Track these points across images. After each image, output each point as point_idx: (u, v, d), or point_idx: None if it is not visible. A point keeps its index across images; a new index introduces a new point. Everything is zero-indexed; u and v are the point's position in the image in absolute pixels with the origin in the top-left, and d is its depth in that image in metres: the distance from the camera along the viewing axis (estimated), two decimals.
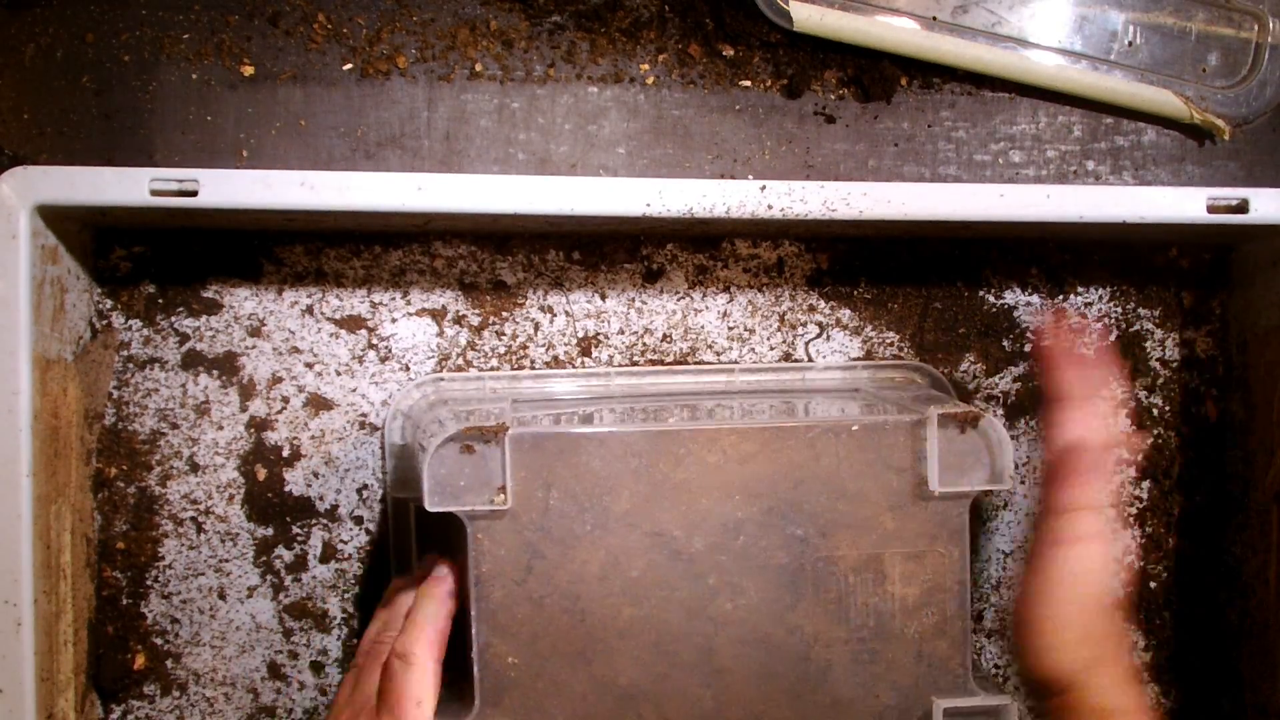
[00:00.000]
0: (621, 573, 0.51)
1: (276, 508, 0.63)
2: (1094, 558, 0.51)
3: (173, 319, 0.63)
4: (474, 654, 0.50)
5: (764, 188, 0.58)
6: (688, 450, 0.51)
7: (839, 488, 0.52)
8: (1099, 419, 0.53)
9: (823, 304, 0.66)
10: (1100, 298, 0.68)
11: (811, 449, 0.52)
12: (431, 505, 0.49)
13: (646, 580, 0.51)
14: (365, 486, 0.64)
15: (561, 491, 0.50)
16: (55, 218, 0.56)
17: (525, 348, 0.65)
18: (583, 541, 0.50)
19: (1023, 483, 0.68)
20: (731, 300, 0.66)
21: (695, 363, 0.65)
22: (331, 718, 0.52)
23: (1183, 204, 0.60)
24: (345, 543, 0.64)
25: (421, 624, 0.52)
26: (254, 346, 0.63)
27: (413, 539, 0.62)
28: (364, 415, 0.64)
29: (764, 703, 0.51)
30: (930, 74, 0.66)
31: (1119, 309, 0.68)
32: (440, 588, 0.53)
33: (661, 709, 0.51)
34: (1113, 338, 0.68)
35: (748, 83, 0.65)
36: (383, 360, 0.64)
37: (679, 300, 0.65)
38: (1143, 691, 0.54)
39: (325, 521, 0.64)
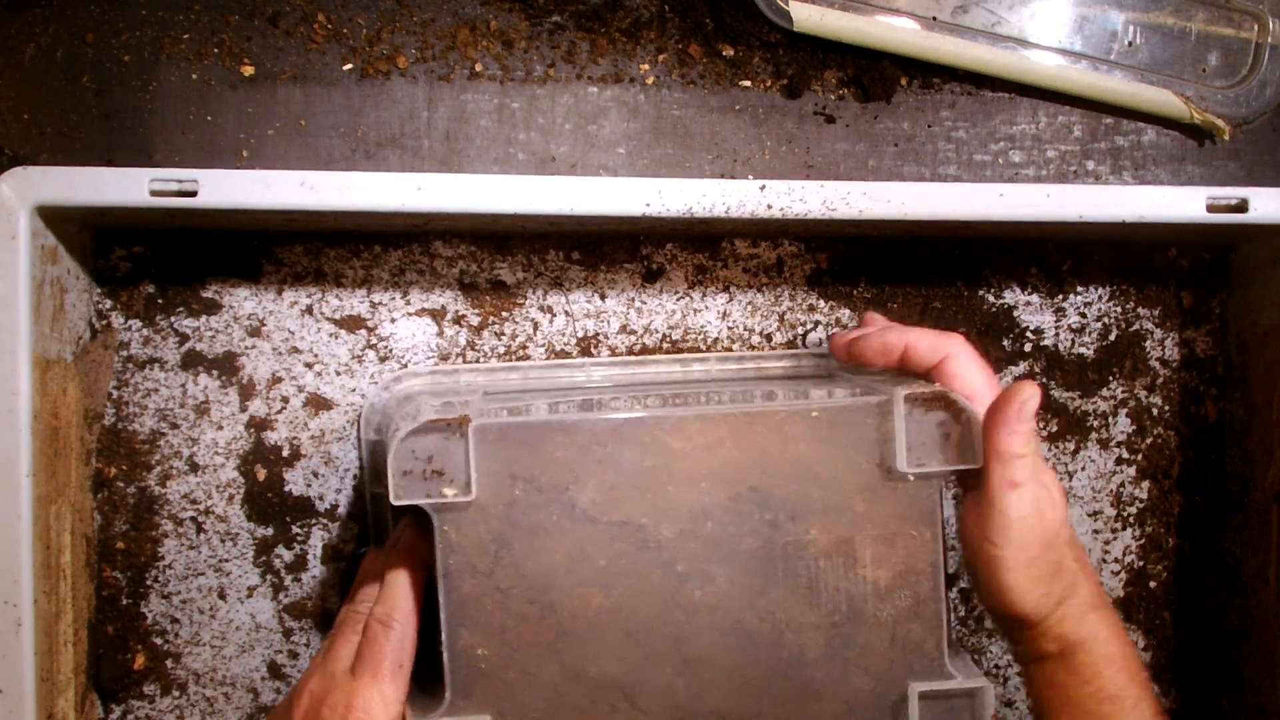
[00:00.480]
0: (590, 562, 0.50)
1: (276, 508, 0.63)
2: (1052, 495, 0.51)
3: (172, 319, 0.63)
4: (444, 646, 0.50)
5: (764, 187, 0.58)
6: (653, 438, 0.51)
7: (808, 471, 0.51)
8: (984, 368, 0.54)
9: (822, 304, 0.66)
10: (1100, 297, 0.68)
11: (779, 433, 0.51)
12: (396, 498, 0.49)
13: (615, 569, 0.50)
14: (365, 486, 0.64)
15: (527, 482, 0.50)
16: (55, 218, 0.56)
17: (525, 348, 0.65)
18: (550, 532, 0.50)
19: None
20: (731, 300, 0.66)
21: (672, 351, 0.65)
22: (303, 681, 0.52)
23: (1182, 204, 0.60)
24: (345, 543, 0.64)
25: (397, 592, 0.52)
26: (254, 346, 0.63)
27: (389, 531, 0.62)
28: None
29: (737, 690, 0.51)
30: (930, 74, 0.66)
31: (1119, 309, 0.68)
32: (411, 558, 0.54)
33: (634, 699, 0.50)
34: (1112, 337, 0.68)
35: (748, 83, 0.65)
36: (382, 360, 0.64)
37: (679, 300, 0.65)
38: (1108, 616, 0.53)
39: (325, 521, 0.64)
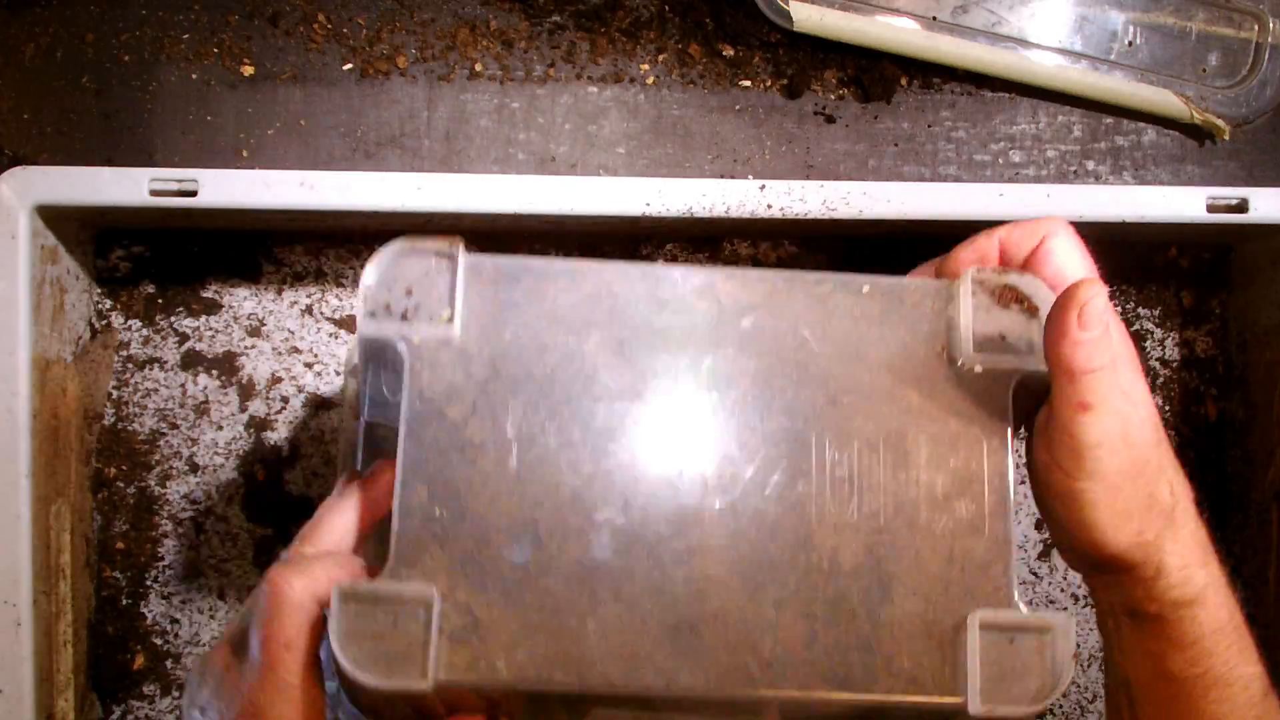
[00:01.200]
0: (584, 423, 0.42)
1: (276, 508, 0.63)
2: (1140, 414, 0.42)
3: (172, 319, 0.63)
4: (395, 502, 0.41)
5: (764, 187, 0.58)
6: (674, 295, 0.43)
7: (854, 352, 0.44)
8: (1079, 253, 0.45)
9: None
10: None
11: (822, 306, 0.44)
12: (364, 331, 0.42)
13: (615, 432, 0.42)
14: None
15: (520, 326, 0.43)
16: (55, 218, 0.56)
17: None
18: (541, 384, 0.42)
19: None
20: None
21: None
22: (211, 650, 0.45)
23: (1182, 204, 0.60)
24: None
25: (308, 544, 0.44)
26: (253, 346, 0.63)
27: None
28: None
29: (750, 595, 0.42)
30: (930, 74, 0.66)
31: (1119, 309, 0.68)
32: (347, 499, 0.45)
33: (619, 590, 0.41)
34: None
35: (748, 83, 0.65)
36: None
37: None
38: (1216, 571, 0.44)
39: None
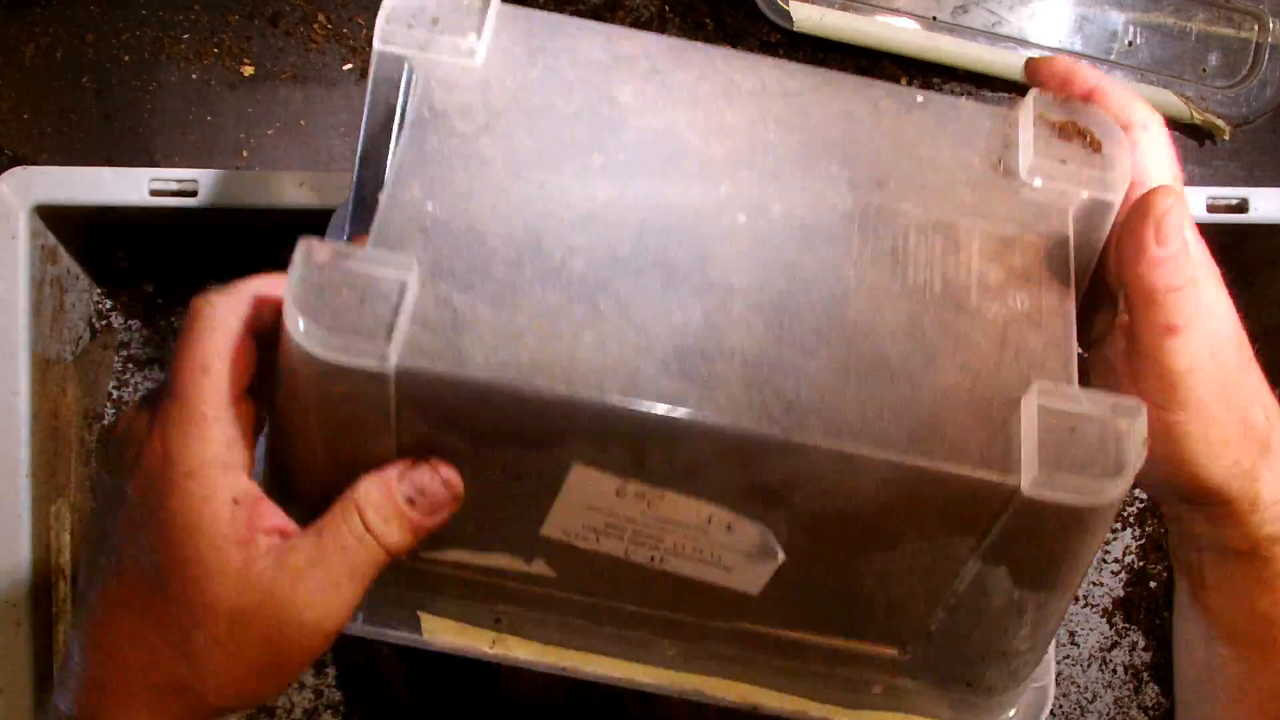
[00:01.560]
0: (608, 153, 0.39)
1: None
2: (1226, 330, 0.39)
3: (173, 319, 0.63)
4: (382, 197, 0.38)
5: None
6: (716, 70, 0.41)
7: (905, 147, 0.41)
8: (1164, 144, 0.41)
9: None
10: None
11: (873, 106, 0.41)
12: (382, 41, 0.39)
13: (638, 167, 0.39)
14: None
15: (548, 68, 0.40)
16: (55, 218, 0.56)
17: None
18: (565, 117, 0.40)
19: None
20: None
21: None
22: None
23: None
24: None
25: (260, 277, 0.39)
26: None
27: None
28: None
29: (777, 337, 0.37)
30: (930, 74, 0.66)
31: None
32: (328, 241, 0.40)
33: (628, 309, 0.37)
34: None
35: None
36: None
37: None
38: None
39: None
